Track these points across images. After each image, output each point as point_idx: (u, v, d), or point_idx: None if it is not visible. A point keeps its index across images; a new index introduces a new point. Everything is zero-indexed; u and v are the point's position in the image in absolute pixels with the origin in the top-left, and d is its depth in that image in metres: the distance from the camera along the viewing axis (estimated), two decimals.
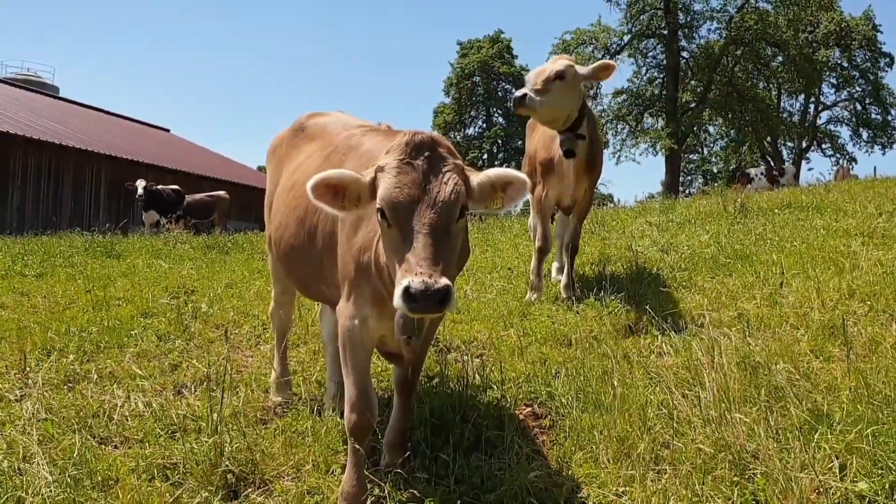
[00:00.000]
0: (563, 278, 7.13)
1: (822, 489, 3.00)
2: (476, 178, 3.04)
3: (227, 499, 3.53)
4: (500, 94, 60.42)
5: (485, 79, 59.20)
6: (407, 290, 2.63)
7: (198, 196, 23.67)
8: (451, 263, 2.86)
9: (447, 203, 2.83)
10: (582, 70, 6.46)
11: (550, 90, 6.27)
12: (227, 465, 3.60)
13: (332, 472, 3.77)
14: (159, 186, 22.53)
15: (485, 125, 60.66)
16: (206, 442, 3.73)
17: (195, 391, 4.91)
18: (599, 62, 6.69)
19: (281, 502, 3.49)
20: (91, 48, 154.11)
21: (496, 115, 60.67)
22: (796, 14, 46.02)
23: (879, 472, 3.02)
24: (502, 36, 60.73)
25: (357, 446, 3.39)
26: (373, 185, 2.97)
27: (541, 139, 7.17)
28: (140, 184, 21.43)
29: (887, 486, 2.92)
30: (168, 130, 47.93)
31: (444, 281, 2.64)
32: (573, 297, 6.78)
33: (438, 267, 2.68)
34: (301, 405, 4.62)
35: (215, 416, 3.87)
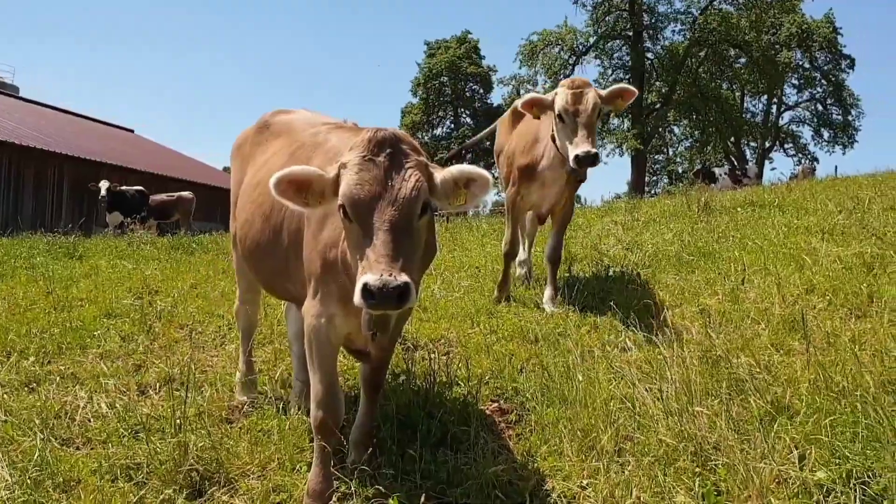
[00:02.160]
0: (547, 290, 6.64)
1: (781, 479, 3.06)
2: (440, 174, 3.04)
3: (192, 497, 3.51)
4: (467, 94, 60.52)
5: (452, 79, 59.19)
6: (365, 286, 2.62)
7: (161, 196, 23.41)
8: (413, 261, 2.84)
9: (408, 200, 2.83)
10: (603, 94, 5.81)
11: (595, 130, 5.75)
12: (191, 464, 3.58)
13: (298, 469, 3.75)
14: (123, 187, 22.25)
15: (453, 125, 60.67)
16: (170, 441, 3.70)
17: (159, 391, 4.86)
18: (616, 87, 5.91)
19: (246, 500, 3.48)
20: (52, 49, 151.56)
21: (464, 115, 60.74)
22: (759, 16, 46.75)
23: (837, 461, 3.08)
24: (469, 36, 60.83)
25: (323, 443, 3.39)
26: (336, 181, 2.95)
27: (520, 141, 6.74)
28: (103, 184, 21.17)
29: (844, 474, 2.98)
30: (132, 131, 47.33)
31: (403, 277, 2.63)
32: (553, 310, 6.29)
33: (398, 263, 2.67)
34: (267, 404, 4.59)
35: (179, 415, 3.85)
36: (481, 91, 61.08)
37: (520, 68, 50.36)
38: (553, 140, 6.02)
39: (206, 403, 4.51)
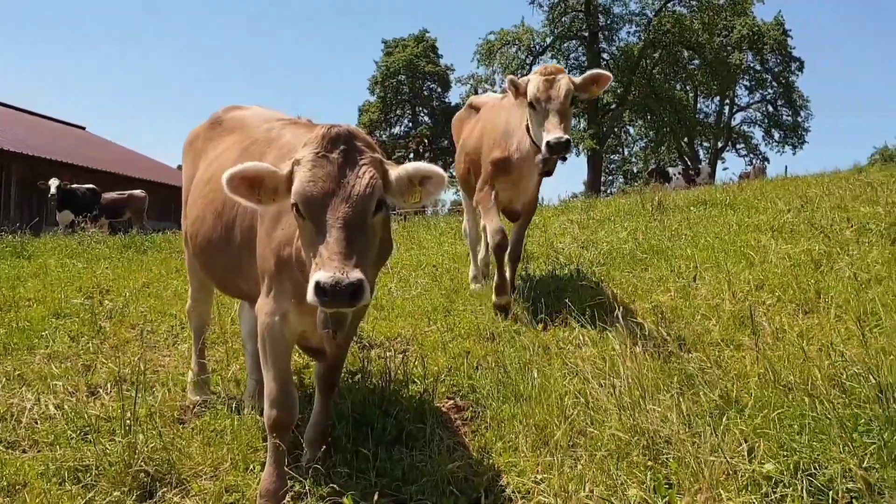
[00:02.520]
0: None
1: (731, 472, 3.11)
2: (395, 172, 3.03)
3: (142, 499, 3.45)
4: (425, 92, 60.44)
5: (410, 77, 59.07)
6: (318, 284, 2.61)
7: (112, 195, 22.95)
8: (367, 258, 2.82)
9: (362, 197, 2.81)
10: (577, 81, 5.62)
11: (569, 117, 5.59)
12: (141, 465, 3.52)
13: (252, 469, 3.72)
14: (74, 185, 21.78)
15: (411, 124, 60.53)
16: (120, 442, 3.63)
17: (110, 392, 4.77)
18: (589, 73, 5.70)
19: (198, 501, 3.43)
20: None
21: (422, 114, 60.65)
22: (711, 18, 47.55)
23: (784, 453, 3.15)
24: (427, 35, 60.80)
25: (277, 443, 3.36)
26: (290, 178, 2.92)
27: (489, 135, 6.39)
28: (53, 183, 20.68)
29: (791, 466, 3.04)
30: (84, 128, 46.34)
31: (356, 275, 2.62)
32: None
33: (351, 261, 2.65)
34: (220, 404, 4.54)
35: (129, 415, 3.78)
36: (439, 90, 61.04)
37: (477, 67, 50.63)
38: (528, 131, 5.79)
39: (158, 404, 4.45)
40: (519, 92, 5.66)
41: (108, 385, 4.89)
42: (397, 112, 60.42)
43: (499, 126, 6.24)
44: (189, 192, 4.51)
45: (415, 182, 3.05)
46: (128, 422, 3.76)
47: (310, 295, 2.65)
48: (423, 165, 3.07)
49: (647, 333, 4.21)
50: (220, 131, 4.50)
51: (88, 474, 3.59)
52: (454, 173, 7.69)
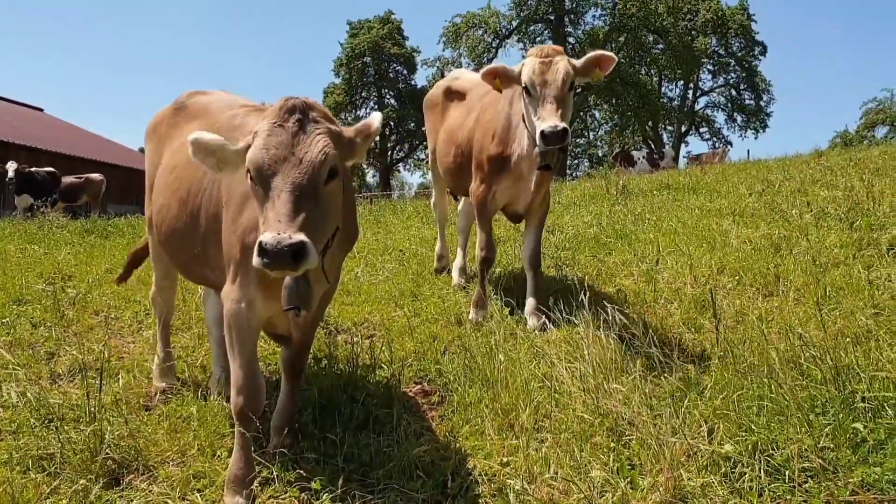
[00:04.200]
0: (529, 301, 5.59)
1: (691, 452, 3.18)
2: (348, 134, 3.13)
3: (109, 486, 3.44)
4: (391, 75, 60.14)
5: (375, 59, 58.70)
6: (260, 244, 2.62)
7: (69, 178, 22.57)
8: (317, 226, 2.84)
9: (313, 163, 2.85)
10: (577, 64, 5.05)
11: (568, 104, 4.99)
12: (107, 453, 3.50)
13: (219, 456, 3.72)
14: (33, 169, 21.37)
15: (376, 106, 60.18)
16: (85, 430, 3.61)
17: (73, 379, 4.73)
18: (592, 54, 5.10)
19: (166, 487, 3.42)
20: None
21: (388, 96, 60.37)
22: (676, 2, 47.91)
23: (743, 434, 3.23)
24: (393, 17, 60.41)
25: (244, 429, 3.36)
26: (247, 149, 2.98)
27: (488, 128, 5.65)
28: (10, 166, 20.31)
29: (750, 447, 3.12)
30: (42, 110, 45.40)
31: (299, 236, 2.63)
32: (542, 326, 5.27)
33: (295, 223, 2.68)
34: (186, 391, 4.52)
35: (93, 403, 3.75)
36: (405, 72, 60.78)
37: (444, 50, 50.58)
38: (524, 120, 5.19)
39: (123, 391, 4.42)
40: (510, 80, 5.14)
41: (72, 372, 4.85)
42: (363, 94, 60.06)
43: (499, 118, 5.55)
44: (153, 178, 4.47)
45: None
46: (92, 409, 3.73)
47: (254, 258, 2.66)
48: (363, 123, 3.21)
49: (611, 317, 4.26)
50: (183, 117, 4.46)
51: (53, 462, 3.56)
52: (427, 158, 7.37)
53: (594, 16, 49.66)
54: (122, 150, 43.20)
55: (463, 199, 7.18)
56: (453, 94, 6.62)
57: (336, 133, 3.03)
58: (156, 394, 4.58)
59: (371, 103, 60.56)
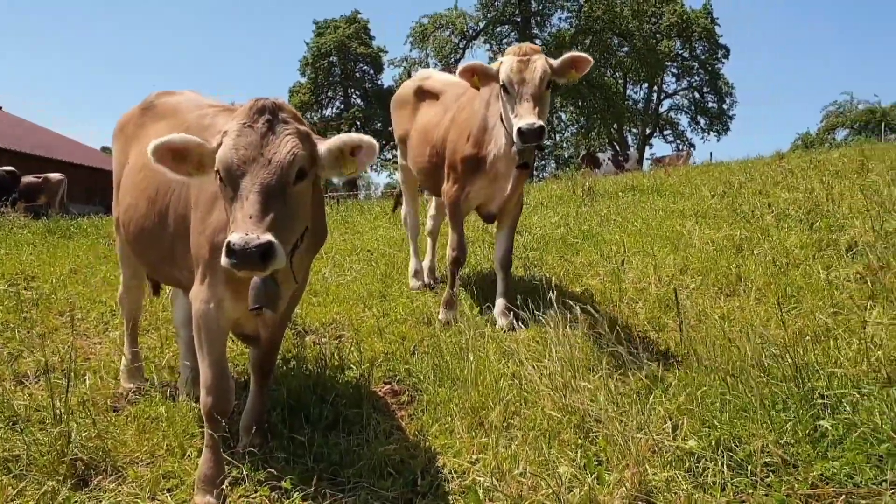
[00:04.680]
0: (499, 302, 5.67)
1: (656, 448, 3.25)
2: (324, 145, 3.08)
3: (77, 488, 3.41)
4: (357, 74, 59.99)
5: (342, 59, 58.50)
6: (228, 244, 2.63)
7: (28, 178, 22.19)
8: (286, 227, 2.85)
9: (282, 164, 2.85)
10: (554, 64, 5.08)
11: (546, 103, 5.02)
12: (76, 454, 3.48)
13: (189, 456, 3.71)
14: None
15: (342, 106, 60.00)
16: (52, 432, 3.58)
17: (38, 381, 4.68)
18: (568, 55, 5.17)
19: (135, 488, 3.41)
20: None
21: (354, 96, 60.19)
22: (640, 6, 48.42)
23: (706, 430, 3.31)
24: (359, 16, 60.25)
25: (214, 429, 3.36)
26: (216, 150, 2.96)
27: (463, 128, 5.64)
28: None
29: (713, 442, 3.20)
30: (0, 108, 44.53)
31: (267, 237, 2.64)
32: (512, 326, 5.37)
33: (263, 223, 2.69)
34: (154, 391, 4.49)
35: (59, 404, 3.72)
36: (372, 72, 60.65)
37: (411, 50, 50.54)
38: (502, 121, 5.19)
39: (90, 392, 4.38)
40: (487, 78, 5.15)
41: (37, 374, 4.79)
42: (329, 94, 59.80)
43: (475, 119, 5.54)
44: (120, 177, 4.44)
45: (346, 153, 3.11)
46: (58, 410, 3.69)
47: (223, 258, 2.67)
48: (351, 135, 3.11)
49: (578, 316, 4.32)
50: (151, 117, 4.44)
51: (19, 464, 3.52)
52: (398, 159, 7.12)
53: (560, 18, 50.10)
54: (84, 148, 42.56)
55: (433, 200, 7.17)
56: (426, 94, 6.60)
57: (305, 134, 3.04)
58: (124, 395, 4.55)
59: (337, 103, 60.37)
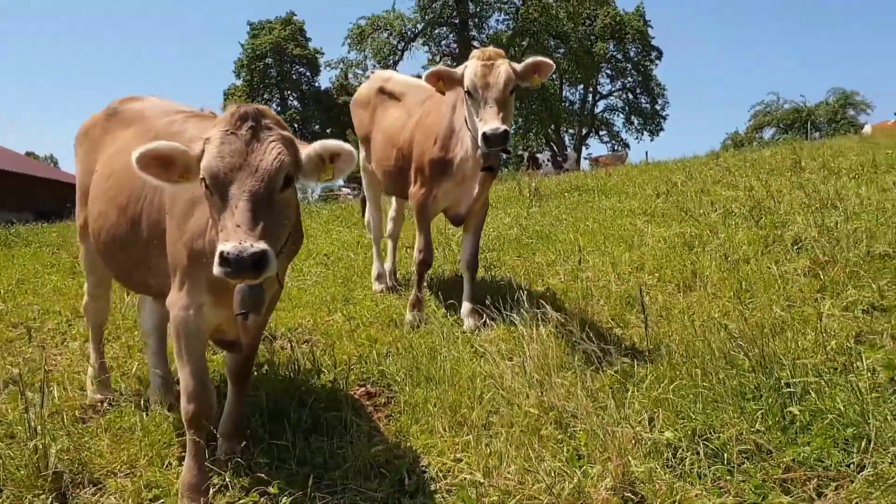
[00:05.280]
0: (465, 304, 5.68)
1: (636, 440, 3.37)
2: (305, 150, 3.10)
3: (58, 501, 3.37)
4: (294, 76, 59.47)
5: (277, 61, 57.92)
6: (221, 254, 2.64)
7: None
8: (275, 234, 2.87)
9: (269, 171, 2.86)
10: (518, 68, 5.18)
11: (510, 107, 5.12)
12: (56, 467, 3.43)
13: (169, 465, 3.69)
14: None
15: (279, 108, 59.36)
16: (29, 445, 3.51)
17: (2, 394, 4.57)
18: (530, 60, 5.28)
19: (118, 499, 3.38)
20: None
21: (291, 98, 59.66)
22: (576, 7, 49.18)
23: (682, 421, 3.45)
24: (295, 18, 59.73)
25: (197, 436, 3.35)
26: (200, 157, 2.94)
27: (430, 131, 5.66)
28: None
29: (689, 432, 3.34)
30: None
31: (261, 245, 2.66)
32: (479, 327, 5.41)
33: (255, 231, 2.70)
34: (124, 401, 4.45)
35: (33, 416, 3.65)
36: (308, 74, 60.23)
37: (349, 52, 50.27)
38: (467, 125, 5.25)
39: (60, 403, 4.30)
40: (452, 82, 5.20)
41: None
42: (265, 96, 59.08)
43: (442, 122, 5.58)
44: (85, 184, 4.37)
45: (325, 159, 3.12)
46: (33, 423, 3.63)
47: (215, 267, 2.67)
48: (330, 142, 3.14)
49: (546, 315, 4.41)
50: (116, 122, 4.38)
51: None
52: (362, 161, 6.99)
53: (498, 20, 50.57)
54: (15, 155, 41.11)
55: (394, 203, 7.20)
56: (387, 95, 6.60)
57: (289, 139, 3.05)
58: (93, 406, 4.48)
59: (274, 105, 59.65)
